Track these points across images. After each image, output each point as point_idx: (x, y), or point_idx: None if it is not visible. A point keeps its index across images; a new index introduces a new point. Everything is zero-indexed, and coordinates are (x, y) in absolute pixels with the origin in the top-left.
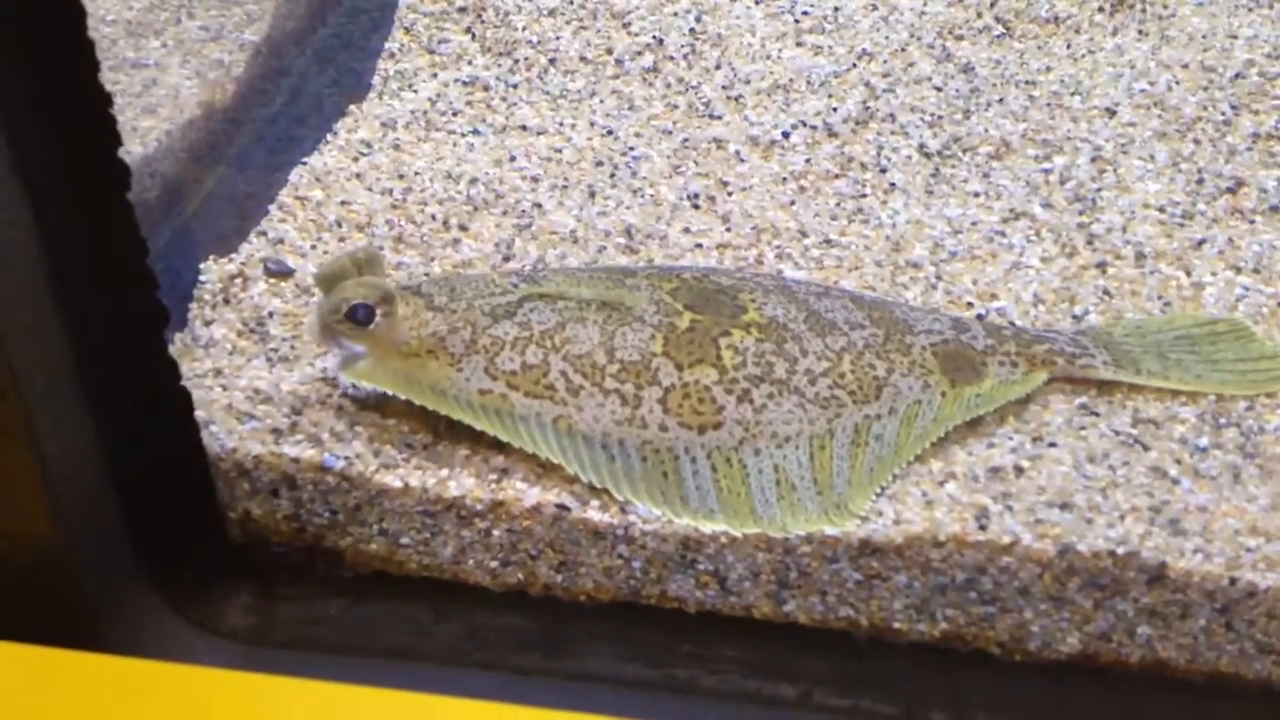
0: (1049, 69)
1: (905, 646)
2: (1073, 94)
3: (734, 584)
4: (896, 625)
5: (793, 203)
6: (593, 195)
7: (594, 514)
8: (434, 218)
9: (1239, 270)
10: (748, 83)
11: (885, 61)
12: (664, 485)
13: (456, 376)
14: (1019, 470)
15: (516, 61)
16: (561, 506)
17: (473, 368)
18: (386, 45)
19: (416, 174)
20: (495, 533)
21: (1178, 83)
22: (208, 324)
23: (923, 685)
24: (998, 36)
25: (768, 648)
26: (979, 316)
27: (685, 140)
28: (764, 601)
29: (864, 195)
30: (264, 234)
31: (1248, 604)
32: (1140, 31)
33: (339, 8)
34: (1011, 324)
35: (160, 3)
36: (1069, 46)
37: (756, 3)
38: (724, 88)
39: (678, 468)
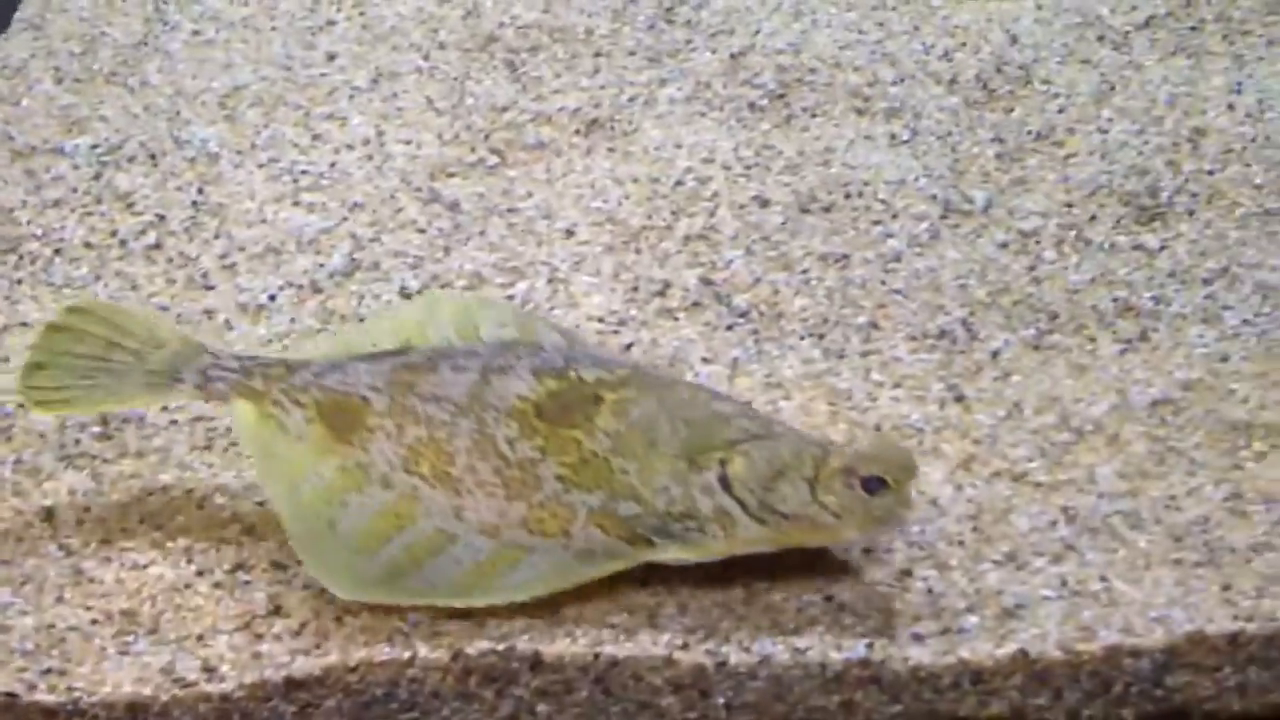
0: (530, 195)
1: None
2: (544, 218)
3: None
4: None
5: None
6: None
7: (42, 696)
8: None
9: (656, 367)
10: (243, 249)
11: (374, 211)
12: None
13: None
14: None
15: (21, 258)
16: (10, 694)
17: None
18: None
19: None
20: None
21: (628, 197)
22: None
23: None
24: (492, 168)
25: None
26: None
27: (179, 315)
28: None
29: None
30: None
31: (615, 672)
32: (609, 149)
33: None
34: None
35: None
36: (548, 171)
37: (259, 167)
38: (220, 256)
39: None
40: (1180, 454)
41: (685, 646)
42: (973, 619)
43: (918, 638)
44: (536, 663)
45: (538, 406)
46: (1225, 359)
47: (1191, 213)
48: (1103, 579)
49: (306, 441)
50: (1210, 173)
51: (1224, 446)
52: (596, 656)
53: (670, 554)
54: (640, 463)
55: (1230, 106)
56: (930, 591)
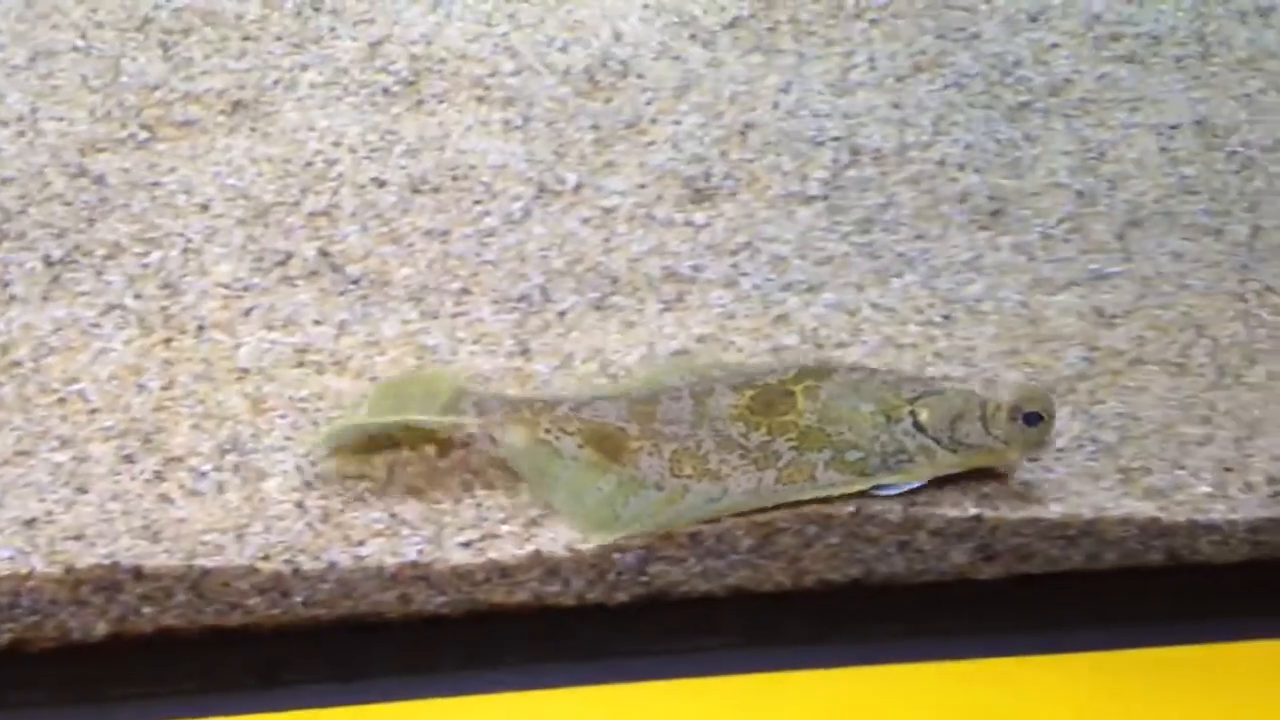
0: (174, 170)
1: None
2: (184, 193)
3: None
4: None
5: None
6: None
7: None
8: None
9: (271, 329)
10: None
11: (24, 185)
12: None
13: None
14: (49, 515)
15: None
16: None
17: None
18: None
19: None
20: None
21: (261, 175)
22: None
23: None
24: (143, 142)
25: None
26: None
27: None
28: None
29: None
30: None
31: (208, 580)
32: (251, 129)
33: None
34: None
35: None
36: (193, 149)
37: None
38: None
39: None
40: None
41: (267, 558)
42: (505, 528)
43: (463, 545)
44: (139, 574)
45: (748, 409)
46: (733, 317)
47: (734, 195)
48: None
49: (582, 462)
50: (751, 161)
51: None
52: (190, 568)
53: (894, 479)
54: (847, 423)
55: (776, 104)
56: (480, 506)
